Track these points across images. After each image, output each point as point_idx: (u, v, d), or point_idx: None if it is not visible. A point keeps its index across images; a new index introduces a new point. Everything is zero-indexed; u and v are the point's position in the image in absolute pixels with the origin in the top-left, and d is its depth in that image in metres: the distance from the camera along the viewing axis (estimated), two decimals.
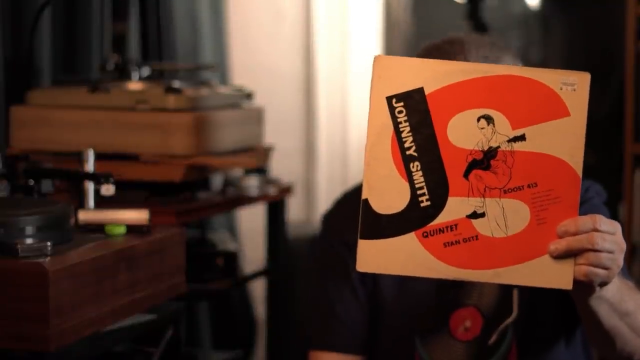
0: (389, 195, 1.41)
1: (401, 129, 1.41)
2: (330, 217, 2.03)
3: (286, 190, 2.58)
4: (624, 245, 1.46)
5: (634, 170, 3.18)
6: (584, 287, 1.46)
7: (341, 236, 1.95)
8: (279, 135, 3.27)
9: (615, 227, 1.45)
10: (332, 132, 3.90)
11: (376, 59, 1.41)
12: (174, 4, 3.00)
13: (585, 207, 1.86)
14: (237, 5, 3.63)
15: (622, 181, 3.19)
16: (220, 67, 3.30)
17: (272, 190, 2.45)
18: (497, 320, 1.86)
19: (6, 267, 1.48)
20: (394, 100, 1.41)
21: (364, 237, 1.41)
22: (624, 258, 1.48)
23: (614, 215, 1.93)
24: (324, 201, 3.75)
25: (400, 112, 1.41)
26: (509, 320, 1.85)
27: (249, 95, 2.51)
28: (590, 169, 1.94)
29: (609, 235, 1.43)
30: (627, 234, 3.16)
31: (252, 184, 2.39)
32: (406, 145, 1.41)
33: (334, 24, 3.89)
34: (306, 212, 3.87)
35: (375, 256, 1.42)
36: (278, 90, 3.77)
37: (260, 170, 2.50)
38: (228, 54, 3.41)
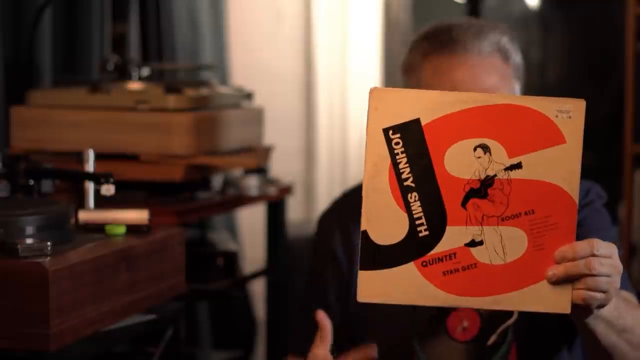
0: (388, 226, 1.42)
1: (398, 160, 1.42)
2: (323, 219, 2.04)
3: (286, 190, 2.58)
4: (620, 268, 1.47)
5: (633, 170, 3.18)
6: (582, 310, 1.48)
7: (328, 243, 1.95)
8: (279, 135, 3.27)
9: (612, 249, 1.46)
10: (332, 132, 3.90)
11: (372, 91, 1.42)
12: (174, 4, 3.00)
13: (586, 210, 1.86)
14: (237, 5, 3.63)
15: (622, 181, 3.20)
16: (220, 67, 3.30)
17: (272, 190, 2.45)
18: (495, 320, 1.86)
19: (6, 267, 1.48)
20: (390, 132, 1.42)
21: (363, 268, 1.43)
22: (625, 265, 1.48)
23: (613, 216, 1.93)
24: (324, 201, 3.75)
25: (397, 143, 1.42)
26: (509, 322, 1.85)
27: (248, 95, 2.51)
28: (590, 169, 1.95)
29: (606, 259, 1.44)
30: (626, 234, 3.16)
31: (252, 184, 2.39)
32: (404, 176, 1.42)
33: (334, 24, 3.89)
34: (306, 212, 3.88)
35: (376, 286, 1.43)
36: (278, 91, 3.77)
37: (260, 170, 2.50)
38: (228, 54, 3.41)
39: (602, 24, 3.82)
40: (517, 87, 1.90)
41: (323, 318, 1.71)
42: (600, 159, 3.45)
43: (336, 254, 1.95)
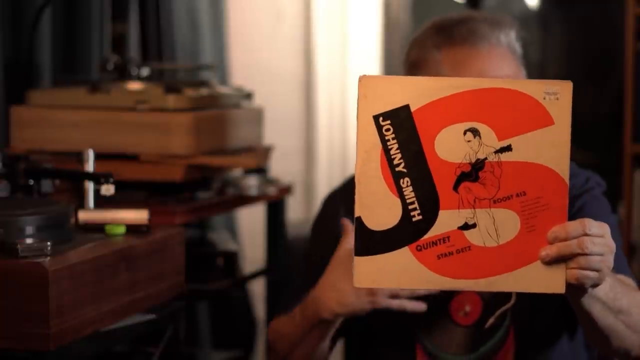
0: (381, 211, 1.44)
1: (389, 147, 1.43)
2: (328, 200, 2.06)
3: (286, 190, 2.58)
4: (613, 247, 1.48)
5: (633, 170, 3.18)
6: (576, 290, 1.49)
7: (333, 224, 1.97)
8: (279, 135, 3.27)
9: (604, 229, 1.47)
10: (332, 132, 3.90)
11: (361, 79, 1.43)
12: (174, 4, 3.00)
13: (586, 197, 1.88)
14: (237, 5, 3.63)
15: (621, 181, 3.20)
16: (220, 67, 3.30)
17: (272, 190, 2.45)
18: (496, 304, 1.87)
19: (6, 267, 1.48)
20: (380, 119, 1.43)
21: (359, 254, 1.44)
22: (625, 254, 1.49)
23: (613, 207, 1.95)
24: None
25: (387, 130, 1.43)
26: (507, 306, 1.86)
27: (248, 95, 2.51)
28: (589, 169, 1.96)
29: (598, 238, 1.45)
30: (626, 233, 3.16)
31: (252, 184, 2.39)
32: (395, 162, 1.44)
33: (334, 24, 3.89)
34: (306, 212, 3.88)
35: (372, 272, 1.45)
36: (278, 90, 3.77)
37: (260, 170, 2.51)
38: (228, 54, 3.41)
39: (601, 24, 3.82)
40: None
41: (347, 223, 1.78)
42: (600, 158, 3.44)
43: (341, 235, 1.97)
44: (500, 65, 1.87)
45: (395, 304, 1.77)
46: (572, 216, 1.47)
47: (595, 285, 1.49)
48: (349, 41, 3.90)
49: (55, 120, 2.22)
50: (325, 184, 3.88)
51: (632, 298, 1.66)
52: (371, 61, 3.92)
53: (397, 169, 1.43)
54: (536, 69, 3.79)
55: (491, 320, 1.87)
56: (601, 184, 1.93)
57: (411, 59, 1.93)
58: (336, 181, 3.81)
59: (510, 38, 1.90)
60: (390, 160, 1.43)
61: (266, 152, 2.51)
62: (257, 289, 3.37)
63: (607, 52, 3.79)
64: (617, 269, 1.54)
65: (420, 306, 1.79)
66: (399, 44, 3.97)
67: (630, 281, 1.76)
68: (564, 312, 1.85)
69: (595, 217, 1.57)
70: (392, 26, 4.02)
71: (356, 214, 1.44)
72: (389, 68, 3.97)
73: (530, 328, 1.88)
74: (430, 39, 1.90)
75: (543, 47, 3.87)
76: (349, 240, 1.78)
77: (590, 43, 3.87)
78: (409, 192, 1.44)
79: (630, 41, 3.17)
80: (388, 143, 1.43)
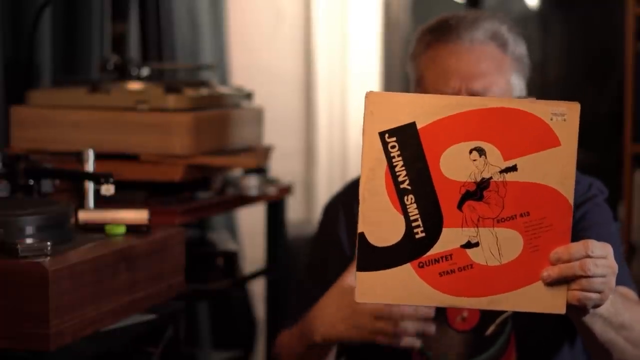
0: (385, 228, 1.44)
1: (395, 164, 1.44)
2: (329, 205, 2.06)
3: (286, 190, 2.58)
4: (616, 268, 1.48)
5: (633, 170, 3.18)
6: (578, 310, 1.49)
7: (333, 228, 1.97)
8: (279, 135, 3.27)
9: (607, 250, 1.47)
10: (332, 132, 3.90)
11: (368, 95, 1.44)
12: (174, 4, 3.01)
13: (588, 205, 1.87)
14: (237, 5, 3.63)
15: (621, 181, 3.20)
16: (220, 67, 3.30)
17: (272, 190, 2.45)
18: (495, 311, 1.86)
19: (6, 267, 1.48)
20: (386, 136, 1.44)
21: (361, 270, 1.45)
22: (625, 254, 1.49)
23: (614, 213, 1.94)
24: (324, 201, 3.75)
25: (393, 147, 1.43)
26: (507, 313, 1.86)
27: (248, 95, 2.51)
28: (589, 169, 1.96)
29: (600, 259, 1.45)
30: (626, 233, 3.16)
31: (252, 184, 2.40)
32: (400, 179, 1.44)
33: (334, 24, 3.89)
34: (306, 212, 3.88)
35: (374, 287, 1.45)
36: (278, 91, 3.77)
37: (260, 170, 2.51)
38: (228, 54, 3.41)
39: (601, 24, 3.82)
40: (516, 79, 1.90)
41: None
42: (600, 159, 3.45)
43: (340, 239, 1.96)
44: (470, 62, 1.84)
45: (382, 341, 1.75)
46: (574, 224, 1.47)
47: (597, 306, 1.49)
48: (349, 41, 3.90)
49: (55, 120, 2.22)
50: (325, 184, 3.88)
51: (634, 313, 1.65)
52: (371, 61, 3.92)
53: (401, 186, 1.44)
54: (536, 69, 3.79)
55: (492, 328, 1.87)
56: (604, 191, 1.92)
57: (410, 52, 1.95)
58: (336, 181, 3.82)
59: (493, 35, 1.85)
60: (395, 177, 1.44)
61: (266, 152, 2.51)
62: (257, 289, 3.38)
63: (607, 52, 3.79)
64: (618, 280, 1.54)
65: (414, 343, 1.76)
66: (399, 44, 3.97)
67: (631, 294, 1.76)
68: (564, 319, 1.85)
69: (598, 225, 1.56)
70: (392, 26, 4.02)
71: (359, 230, 1.44)
72: (389, 68, 3.97)
73: (531, 335, 1.87)
74: (423, 35, 1.92)
75: (543, 47, 3.87)
76: (349, 273, 1.77)
77: (590, 43, 3.87)
78: (412, 209, 1.44)
79: (630, 41, 3.17)
80: (393, 160, 1.43)
